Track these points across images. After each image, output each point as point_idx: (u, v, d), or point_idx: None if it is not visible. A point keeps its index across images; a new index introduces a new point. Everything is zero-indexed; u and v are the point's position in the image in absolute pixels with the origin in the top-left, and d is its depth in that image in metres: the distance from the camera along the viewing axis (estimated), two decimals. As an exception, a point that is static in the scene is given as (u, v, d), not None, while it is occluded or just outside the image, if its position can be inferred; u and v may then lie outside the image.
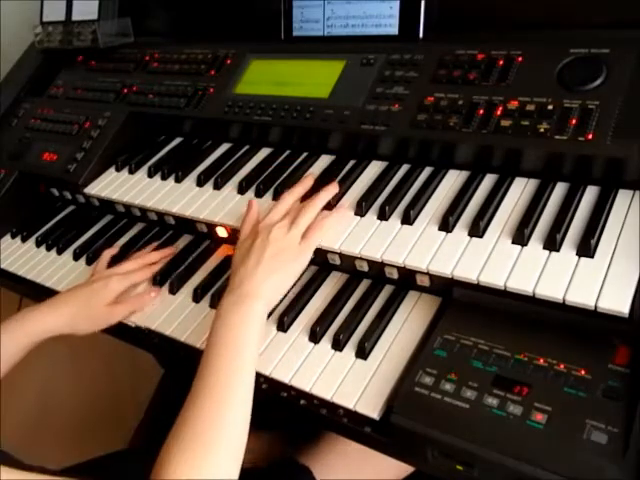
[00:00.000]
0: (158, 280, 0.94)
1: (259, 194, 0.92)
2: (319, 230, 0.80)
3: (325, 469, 0.92)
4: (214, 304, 0.86)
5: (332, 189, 0.85)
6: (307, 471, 0.91)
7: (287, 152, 1.01)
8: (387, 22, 0.96)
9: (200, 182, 0.99)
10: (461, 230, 0.75)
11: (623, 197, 0.72)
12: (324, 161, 0.96)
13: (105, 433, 1.37)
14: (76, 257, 1.06)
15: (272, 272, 0.75)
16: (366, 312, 0.79)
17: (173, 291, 0.92)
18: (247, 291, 0.74)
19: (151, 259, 0.97)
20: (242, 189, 0.94)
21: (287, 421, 1.08)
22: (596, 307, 0.61)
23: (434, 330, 0.71)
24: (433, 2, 0.93)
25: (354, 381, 0.70)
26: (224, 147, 1.08)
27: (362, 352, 0.73)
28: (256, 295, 0.73)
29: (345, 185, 0.88)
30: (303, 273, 0.87)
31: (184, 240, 1.03)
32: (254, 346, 0.70)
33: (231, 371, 0.67)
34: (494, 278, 0.68)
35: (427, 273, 0.73)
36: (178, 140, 1.16)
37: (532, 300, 0.66)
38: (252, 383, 0.68)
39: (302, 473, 0.91)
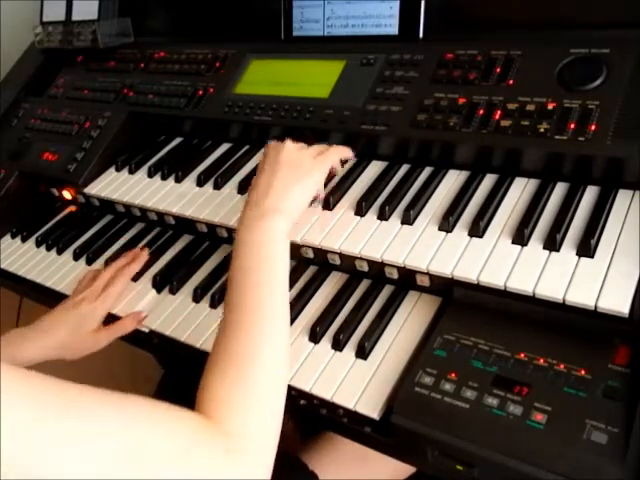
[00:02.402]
0: (158, 280, 0.94)
1: (259, 194, 0.92)
2: (334, 151, 0.80)
3: (325, 469, 0.92)
4: (214, 304, 0.87)
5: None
6: (309, 471, 0.91)
7: (287, 152, 1.01)
8: (387, 22, 0.96)
9: (200, 182, 0.99)
10: (461, 230, 0.75)
11: (623, 197, 0.72)
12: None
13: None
14: (76, 257, 1.06)
15: (290, 184, 0.73)
16: (366, 312, 0.79)
17: (173, 291, 0.92)
18: (267, 206, 0.71)
19: (123, 263, 0.96)
20: (242, 189, 0.94)
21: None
22: (596, 307, 0.61)
23: (434, 330, 0.71)
24: (433, 2, 0.93)
25: (354, 381, 0.70)
26: (224, 147, 1.08)
27: (362, 352, 0.73)
28: (277, 210, 0.70)
29: (345, 185, 0.88)
30: (303, 273, 0.87)
31: (184, 240, 1.03)
32: (283, 264, 0.67)
33: (261, 295, 0.63)
34: (494, 278, 0.68)
35: (427, 273, 0.73)
36: (178, 140, 1.16)
37: (532, 300, 0.66)
38: (286, 304, 0.65)
39: (304, 473, 0.91)
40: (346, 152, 0.85)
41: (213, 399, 0.56)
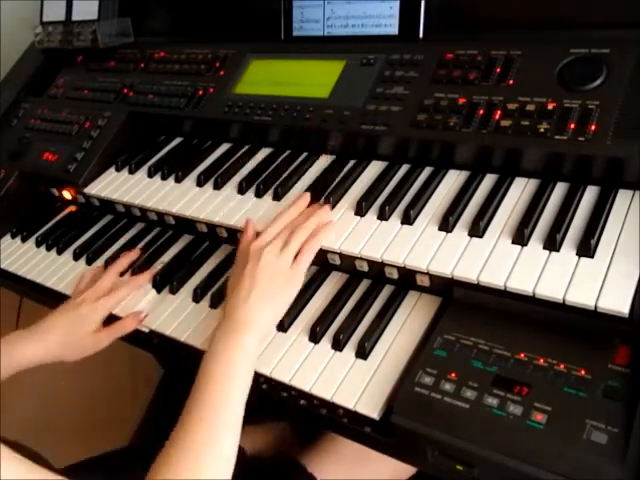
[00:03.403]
0: (158, 280, 0.93)
1: (259, 194, 0.92)
2: (309, 253, 0.80)
3: (325, 469, 0.92)
4: (214, 304, 0.87)
5: (325, 214, 0.83)
6: (307, 474, 0.91)
7: (287, 152, 1.01)
8: (387, 22, 0.96)
9: (200, 182, 0.99)
10: (461, 230, 0.75)
11: (623, 197, 0.72)
12: (324, 161, 0.96)
13: (105, 433, 1.37)
14: (76, 257, 1.06)
15: (265, 301, 0.75)
16: (366, 312, 0.79)
17: (173, 291, 0.92)
18: (240, 323, 0.73)
19: (122, 266, 0.97)
20: (242, 189, 0.94)
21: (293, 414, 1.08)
22: (596, 307, 0.61)
23: (434, 330, 0.71)
24: (433, 2, 0.93)
25: (354, 381, 0.70)
26: (224, 147, 1.08)
27: (362, 352, 0.73)
28: (249, 327, 0.73)
29: (345, 185, 0.88)
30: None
31: (184, 240, 1.03)
32: (243, 381, 0.70)
33: (218, 407, 0.67)
34: (494, 278, 0.68)
35: (427, 273, 0.73)
36: (178, 140, 1.16)
37: (532, 300, 0.66)
38: (240, 417, 0.68)
39: (302, 475, 0.91)
40: (327, 234, 0.81)
41: None
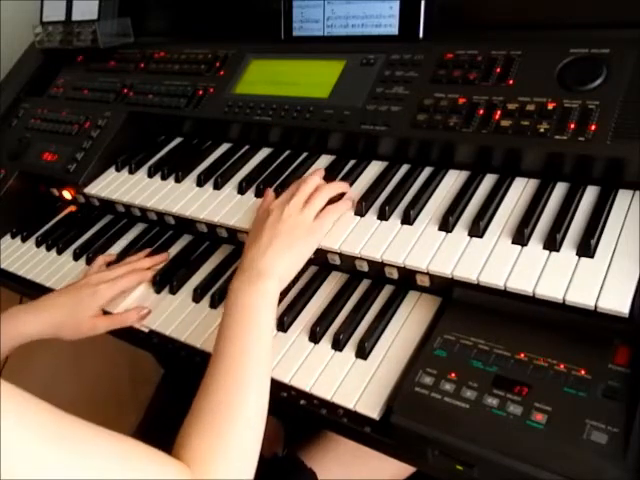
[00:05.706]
0: (158, 280, 0.93)
1: (259, 194, 0.92)
2: (334, 211, 0.81)
3: (325, 468, 0.92)
4: (214, 304, 0.87)
5: (344, 185, 0.86)
6: (307, 469, 0.91)
7: (287, 152, 1.01)
8: (387, 22, 0.96)
9: (200, 182, 0.99)
10: (461, 230, 0.75)
11: (623, 197, 0.72)
12: (324, 161, 0.96)
13: (105, 433, 1.36)
14: (76, 257, 1.06)
15: (285, 249, 0.75)
16: (366, 312, 0.79)
17: (173, 291, 0.92)
18: (260, 270, 0.73)
19: (143, 265, 0.96)
20: (242, 189, 0.94)
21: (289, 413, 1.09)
22: (596, 307, 0.61)
23: (434, 330, 0.71)
24: (433, 2, 0.93)
25: (354, 381, 0.70)
26: (224, 147, 1.08)
27: (362, 352, 0.73)
28: (269, 273, 0.73)
29: (345, 185, 0.88)
30: (303, 273, 0.87)
31: (184, 240, 1.03)
32: (269, 326, 0.70)
33: (246, 354, 0.66)
34: (494, 278, 0.68)
35: (427, 273, 0.73)
36: (178, 140, 1.16)
37: (532, 300, 0.66)
38: (269, 363, 0.68)
39: (303, 472, 0.91)
40: (350, 205, 0.84)
41: (193, 455, 0.59)
